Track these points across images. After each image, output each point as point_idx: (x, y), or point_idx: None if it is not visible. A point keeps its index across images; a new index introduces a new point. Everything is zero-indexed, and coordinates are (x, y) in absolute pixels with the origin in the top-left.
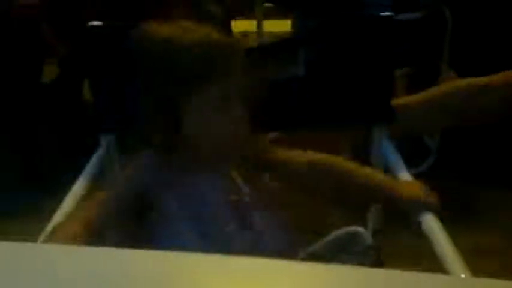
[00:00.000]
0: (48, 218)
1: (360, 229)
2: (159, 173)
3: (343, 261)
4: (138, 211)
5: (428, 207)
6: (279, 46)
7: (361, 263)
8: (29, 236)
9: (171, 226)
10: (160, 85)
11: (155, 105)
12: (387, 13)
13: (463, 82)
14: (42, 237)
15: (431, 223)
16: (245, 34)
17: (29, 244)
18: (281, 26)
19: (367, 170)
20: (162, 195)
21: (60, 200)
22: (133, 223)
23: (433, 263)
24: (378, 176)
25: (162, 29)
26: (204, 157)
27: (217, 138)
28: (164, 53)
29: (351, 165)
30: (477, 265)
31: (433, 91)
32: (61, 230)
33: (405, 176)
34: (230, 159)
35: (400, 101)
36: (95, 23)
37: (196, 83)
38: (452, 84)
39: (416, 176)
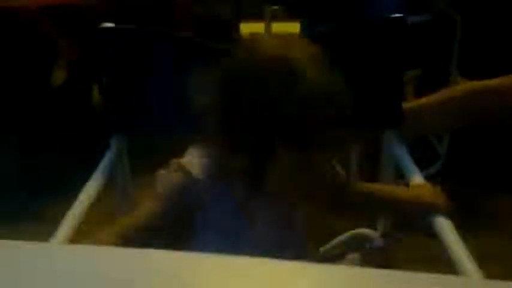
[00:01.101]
0: (57, 221)
1: (368, 230)
2: (202, 196)
3: (351, 262)
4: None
5: (438, 209)
6: None
7: (369, 264)
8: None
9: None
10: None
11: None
12: (398, 15)
13: (475, 84)
14: (54, 240)
15: (443, 225)
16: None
17: (44, 244)
18: (290, 28)
19: (375, 185)
20: (200, 219)
21: (69, 203)
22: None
23: (444, 266)
24: (388, 187)
25: (269, 45)
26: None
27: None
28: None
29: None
30: (486, 270)
31: (445, 93)
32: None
33: (417, 179)
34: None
35: (412, 103)
36: (106, 24)
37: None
38: (464, 86)
39: (425, 180)
